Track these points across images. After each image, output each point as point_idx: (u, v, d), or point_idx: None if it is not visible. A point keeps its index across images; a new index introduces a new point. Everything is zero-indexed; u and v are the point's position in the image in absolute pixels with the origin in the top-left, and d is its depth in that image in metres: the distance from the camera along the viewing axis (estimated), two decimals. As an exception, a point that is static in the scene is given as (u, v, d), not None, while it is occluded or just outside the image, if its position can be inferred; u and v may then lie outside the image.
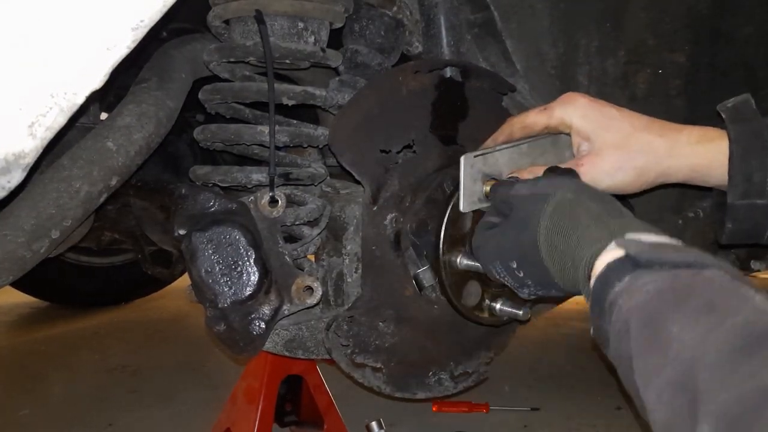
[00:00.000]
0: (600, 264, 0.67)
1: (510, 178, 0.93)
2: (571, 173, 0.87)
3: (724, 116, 0.89)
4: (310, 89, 1.08)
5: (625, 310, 0.60)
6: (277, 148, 1.03)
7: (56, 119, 0.72)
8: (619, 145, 0.89)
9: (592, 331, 0.69)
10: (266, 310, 0.97)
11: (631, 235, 0.66)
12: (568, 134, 0.95)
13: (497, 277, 0.87)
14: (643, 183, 0.91)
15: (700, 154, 0.89)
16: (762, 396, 0.44)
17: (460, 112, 1.11)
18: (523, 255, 0.80)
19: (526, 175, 0.93)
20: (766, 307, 0.51)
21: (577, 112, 0.92)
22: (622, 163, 0.89)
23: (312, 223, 1.06)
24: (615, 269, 0.64)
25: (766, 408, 0.43)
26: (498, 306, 1.04)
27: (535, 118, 0.96)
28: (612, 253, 0.66)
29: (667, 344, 0.53)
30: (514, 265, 0.82)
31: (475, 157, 0.93)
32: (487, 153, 0.95)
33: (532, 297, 0.87)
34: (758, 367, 0.46)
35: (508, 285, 0.87)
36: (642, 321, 0.57)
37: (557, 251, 0.74)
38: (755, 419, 0.43)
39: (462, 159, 0.92)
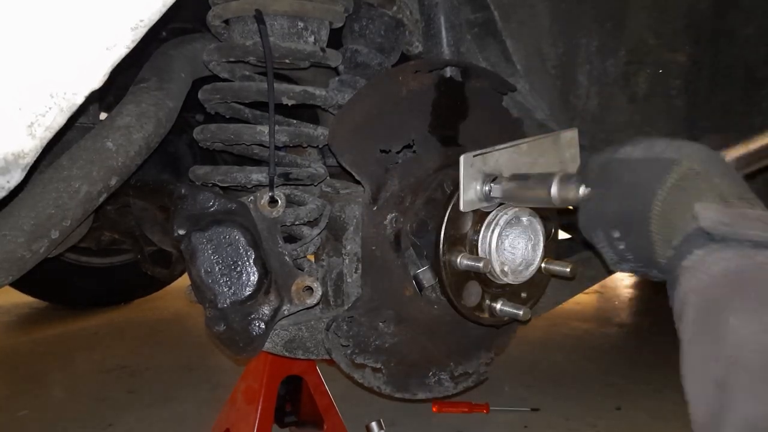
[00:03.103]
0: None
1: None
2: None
3: None
4: (309, 89, 1.08)
5: (685, 290, 0.55)
6: (277, 148, 1.03)
7: (56, 119, 0.72)
8: None
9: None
10: (266, 310, 0.97)
11: (713, 209, 0.58)
12: (570, 133, 0.94)
13: (597, 245, 0.77)
14: None
15: None
16: None
17: (460, 111, 1.11)
18: (628, 225, 0.68)
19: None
20: None
21: None
22: None
23: (312, 223, 1.06)
24: (688, 241, 0.58)
25: None
26: (498, 306, 1.04)
27: None
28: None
29: (722, 336, 0.49)
30: (616, 235, 0.71)
31: (474, 156, 0.93)
32: (487, 153, 0.95)
33: (630, 273, 0.76)
34: None
35: (606, 258, 0.76)
36: (699, 306, 0.53)
37: (670, 228, 0.63)
38: None
39: (462, 159, 0.92)
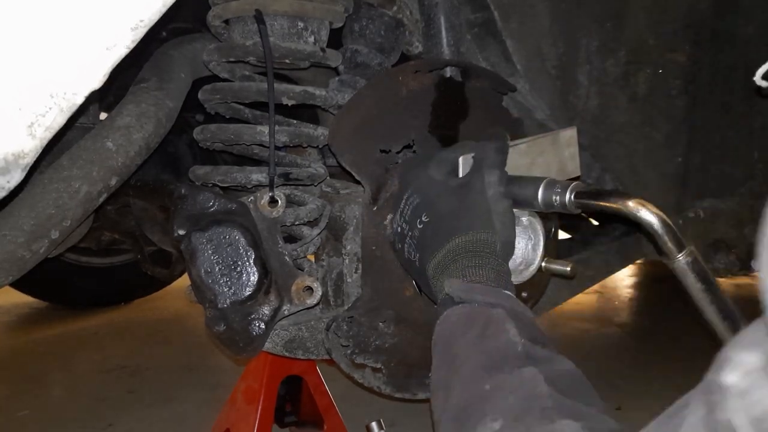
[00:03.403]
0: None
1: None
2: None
3: None
4: (309, 89, 1.08)
5: (435, 335, 0.79)
6: (277, 148, 1.03)
7: (56, 119, 0.72)
8: None
9: None
10: (266, 310, 0.97)
11: (456, 282, 0.81)
12: (569, 131, 0.95)
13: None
14: None
15: None
16: (474, 398, 0.66)
17: (460, 111, 1.11)
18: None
19: None
20: (517, 337, 0.70)
21: None
22: None
23: (312, 223, 1.06)
24: (442, 304, 0.82)
25: (481, 414, 0.63)
26: (498, 306, 1.04)
27: None
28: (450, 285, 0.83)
29: (454, 358, 0.73)
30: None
31: (473, 157, 0.93)
32: None
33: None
34: (492, 381, 0.66)
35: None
36: (442, 342, 0.77)
37: (436, 290, 0.88)
38: (471, 420, 0.64)
39: (461, 159, 0.92)
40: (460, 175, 0.92)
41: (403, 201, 0.95)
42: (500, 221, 0.85)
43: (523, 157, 0.98)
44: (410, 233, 0.93)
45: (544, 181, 0.88)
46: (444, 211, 0.88)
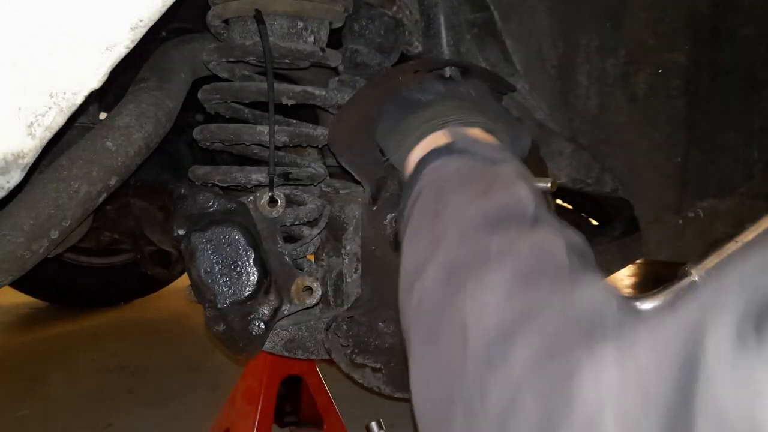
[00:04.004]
0: (421, 148, 0.72)
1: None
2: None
3: None
4: (309, 89, 1.08)
5: (421, 185, 0.66)
6: (277, 148, 1.03)
7: (55, 119, 0.72)
8: None
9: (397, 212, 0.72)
10: (266, 310, 0.97)
11: (458, 128, 0.71)
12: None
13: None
14: None
15: None
16: (476, 256, 0.52)
17: (460, 112, 1.11)
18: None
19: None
20: (529, 197, 0.58)
21: None
22: None
23: (311, 223, 1.06)
24: (436, 152, 0.69)
25: (477, 265, 0.51)
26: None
27: None
28: (438, 139, 0.71)
29: (443, 209, 0.60)
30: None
31: None
32: None
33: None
34: (500, 239, 0.53)
35: None
36: (432, 190, 0.64)
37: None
38: (466, 272, 0.51)
39: None
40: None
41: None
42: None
43: None
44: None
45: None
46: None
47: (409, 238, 0.62)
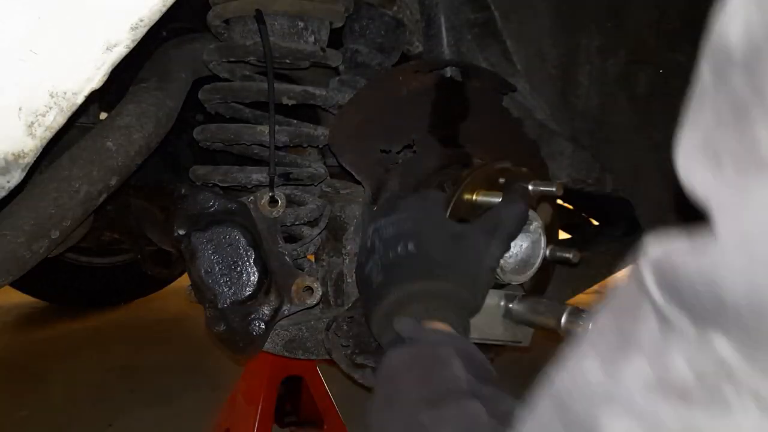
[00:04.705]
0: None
1: None
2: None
3: None
4: (310, 89, 1.08)
5: (378, 375, 0.77)
6: (277, 148, 1.03)
7: (56, 119, 0.72)
8: None
9: None
10: (266, 310, 0.97)
11: (409, 322, 0.80)
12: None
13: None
14: None
15: None
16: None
17: (461, 112, 1.11)
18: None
19: None
20: (461, 374, 0.68)
21: None
22: None
23: (312, 223, 1.06)
24: (389, 344, 0.80)
25: None
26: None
27: None
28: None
29: (393, 394, 0.71)
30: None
31: None
32: None
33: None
34: (432, 414, 0.63)
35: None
36: (384, 381, 0.75)
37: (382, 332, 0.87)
38: None
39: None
40: None
41: (387, 219, 0.89)
42: (481, 293, 0.86)
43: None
44: (383, 252, 0.87)
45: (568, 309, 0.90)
46: (433, 253, 0.84)
47: (371, 428, 0.74)
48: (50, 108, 0.71)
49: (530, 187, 0.93)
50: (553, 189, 0.94)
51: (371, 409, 0.75)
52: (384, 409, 0.72)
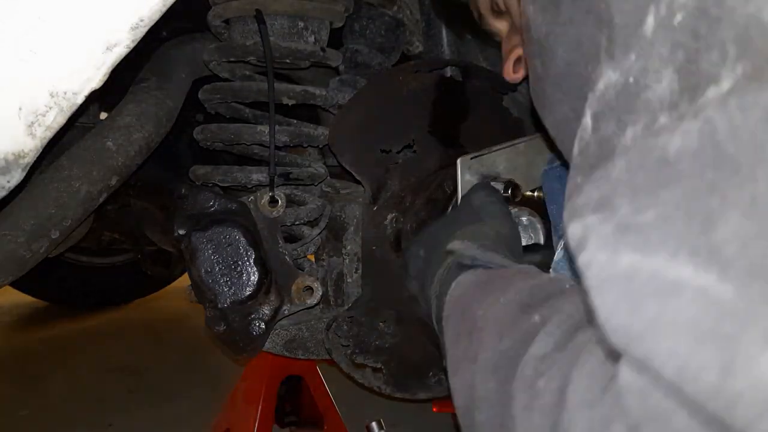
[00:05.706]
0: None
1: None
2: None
3: None
4: (310, 89, 1.08)
5: (448, 303, 0.72)
6: (277, 148, 1.03)
7: (56, 119, 0.72)
8: None
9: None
10: (266, 310, 0.97)
11: (464, 245, 0.76)
12: None
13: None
14: None
15: None
16: (522, 339, 0.53)
17: (461, 111, 1.11)
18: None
19: None
20: (535, 288, 0.60)
21: None
22: None
23: (312, 223, 1.06)
24: (450, 271, 0.75)
25: (524, 351, 0.51)
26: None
27: None
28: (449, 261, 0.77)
29: (475, 320, 0.62)
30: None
31: (471, 159, 0.93)
32: (484, 155, 0.95)
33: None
34: (539, 312, 0.54)
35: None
36: (457, 312, 0.68)
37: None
38: (519, 357, 0.51)
39: (459, 161, 0.92)
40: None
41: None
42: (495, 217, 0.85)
43: (521, 157, 0.98)
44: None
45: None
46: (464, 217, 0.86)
47: (454, 365, 0.64)
48: (50, 108, 0.71)
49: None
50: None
51: (448, 347, 0.67)
52: (466, 341, 0.62)
